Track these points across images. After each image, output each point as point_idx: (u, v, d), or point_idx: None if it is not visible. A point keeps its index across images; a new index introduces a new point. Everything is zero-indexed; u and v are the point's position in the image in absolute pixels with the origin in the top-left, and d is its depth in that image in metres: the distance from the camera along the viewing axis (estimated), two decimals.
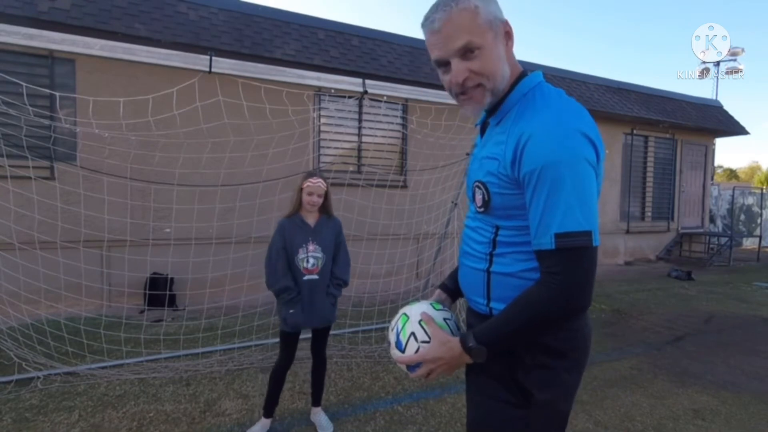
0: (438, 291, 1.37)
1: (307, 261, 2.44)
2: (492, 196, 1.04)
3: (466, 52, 1.00)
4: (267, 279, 2.43)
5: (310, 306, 2.44)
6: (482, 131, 1.16)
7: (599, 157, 0.98)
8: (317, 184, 2.46)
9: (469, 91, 1.04)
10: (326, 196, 2.52)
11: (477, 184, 1.08)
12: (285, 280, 2.40)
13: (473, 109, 1.08)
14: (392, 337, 1.19)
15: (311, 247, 2.46)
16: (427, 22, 1.03)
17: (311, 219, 2.51)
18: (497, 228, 1.07)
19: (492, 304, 1.11)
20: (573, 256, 0.95)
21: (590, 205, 0.94)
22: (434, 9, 1.01)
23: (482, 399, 1.15)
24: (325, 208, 2.54)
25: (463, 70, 1.02)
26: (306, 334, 2.65)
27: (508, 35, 1.06)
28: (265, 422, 2.54)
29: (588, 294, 0.97)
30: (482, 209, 1.09)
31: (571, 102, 1.01)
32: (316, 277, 2.46)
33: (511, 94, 1.06)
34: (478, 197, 1.08)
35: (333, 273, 2.56)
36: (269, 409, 2.55)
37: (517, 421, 1.08)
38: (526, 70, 1.09)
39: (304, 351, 2.93)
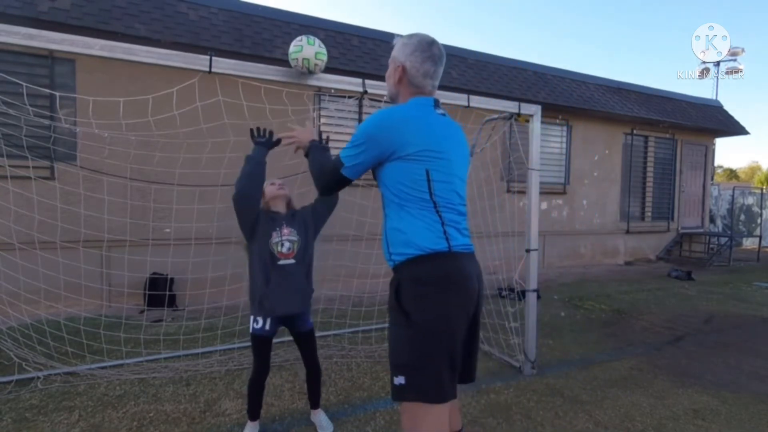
0: None
1: (282, 245, 2.38)
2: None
3: None
4: (236, 185, 2.35)
5: (285, 291, 2.37)
6: None
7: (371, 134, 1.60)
8: (274, 181, 2.52)
9: None
10: (289, 199, 2.57)
11: None
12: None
13: None
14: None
15: (285, 230, 2.40)
16: None
17: (281, 210, 2.51)
18: (382, 195, 1.69)
19: (391, 249, 1.60)
20: (337, 160, 1.68)
21: (354, 142, 1.62)
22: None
23: (389, 327, 1.59)
24: (290, 205, 2.58)
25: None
26: (284, 337, 2.62)
27: (396, 70, 1.68)
28: (251, 425, 2.51)
29: (321, 185, 1.78)
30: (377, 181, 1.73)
31: (389, 109, 1.63)
32: (292, 261, 2.40)
33: None
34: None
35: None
36: (253, 413, 2.51)
37: (405, 339, 1.49)
38: (420, 97, 1.67)
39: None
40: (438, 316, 1.48)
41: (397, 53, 1.67)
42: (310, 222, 2.53)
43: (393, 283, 1.57)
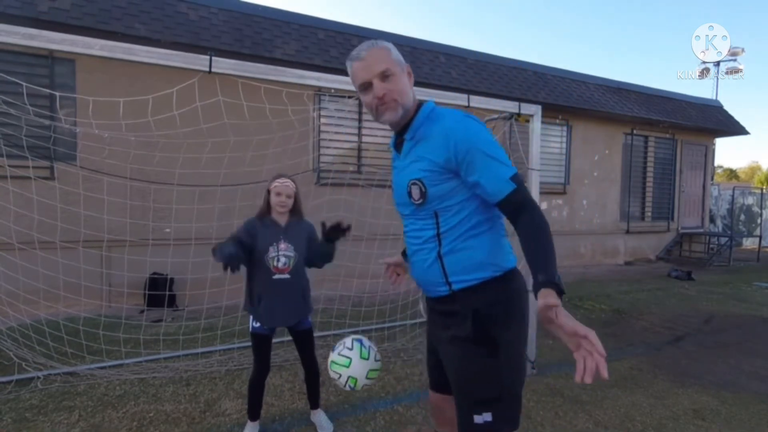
0: (397, 257, 1.80)
1: (278, 260, 2.37)
2: (428, 187, 1.34)
3: (384, 76, 1.35)
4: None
5: (280, 306, 2.38)
6: (397, 148, 1.49)
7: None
8: (285, 183, 2.40)
9: (386, 104, 1.37)
10: (296, 198, 2.46)
11: (413, 181, 1.38)
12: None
13: (390, 115, 1.39)
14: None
15: (282, 245, 2.38)
16: (354, 54, 1.39)
17: (282, 220, 2.45)
18: (436, 214, 1.37)
19: (451, 279, 1.37)
20: (524, 186, 1.30)
21: (506, 156, 1.32)
22: (360, 47, 1.39)
23: (462, 360, 1.38)
24: (295, 211, 2.48)
25: (382, 88, 1.35)
26: (285, 337, 2.62)
27: (410, 75, 1.43)
28: (251, 425, 2.51)
29: (545, 221, 1.31)
30: (421, 200, 1.37)
31: (456, 110, 1.41)
32: (287, 276, 2.39)
33: (417, 117, 1.41)
34: (416, 192, 1.37)
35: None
36: (253, 413, 2.51)
37: (492, 370, 1.33)
38: (421, 101, 1.46)
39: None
40: (521, 336, 1.39)
41: (399, 54, 1.43)
42: (306, 242, 2.49)
43: (462, 313, 1.37)
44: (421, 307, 4.92)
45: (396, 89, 1.36)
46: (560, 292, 1.13)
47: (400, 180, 1.45)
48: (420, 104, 1.45)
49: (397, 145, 1.50)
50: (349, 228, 2.42)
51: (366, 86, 1.38)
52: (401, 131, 1.46)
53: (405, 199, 1.42)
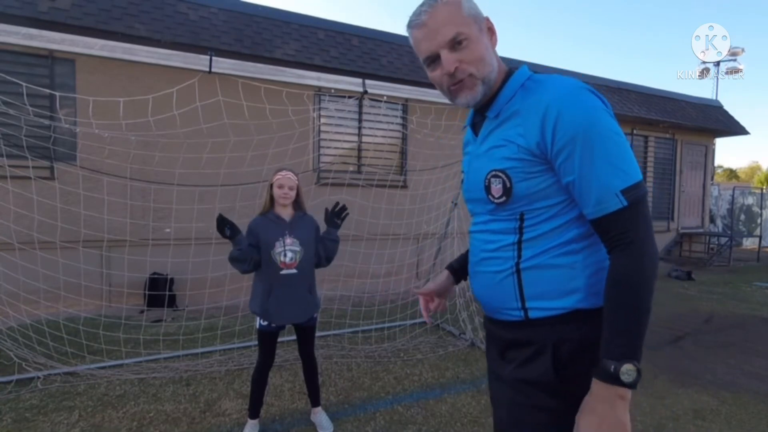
0: (446, 273, 1.38)
1: (285, 255, 2.39)
2: (514, 182, 1.01)
3: (455, 43, 1.02)
4: (237, 267, 2.41)
5: (288, 302, 2.39)
6: (475, 129, 1.16)
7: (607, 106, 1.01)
8: (287, 176, 2.43)
9: (461, 82, 1.05)
10: (298, 190, 2.49)
11: (494, 173, 1.04)
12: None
13: (467, 97, 1.07)
14: None
15: (288, 240, 2.41)
16: (413, 18, 1.05)
17: (286, 215, 2.47)
18: (522, 215, 1.03)
19: (528, 304, 1.03)
20: (642, 209, 0.92)
21: (629, 154, 0.94)
22: (419, 7, 1.05)
23: (518, 409, 1.06)
24: (297, 204, 2.51)
25: (453, 60, 1.02)
26: (291, 336, 2.62)
27: (491, 31, 1.08)
28: (251, 423, 2.52)
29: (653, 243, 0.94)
30: (503, 199, 1.03)
31: (567, 77, 1.03)
32: (294, 271, 2.41)
33: (506, 88, 1.07)
34: (497, 187, 1.03)
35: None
36: (254, 410, 2.52)
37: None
38: (512, 67, 1.12)
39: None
40: None
41: (473, 4, 1.06)
42: (313, 237, 2.52)
43: (537, 344, 1.02)
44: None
45: (473, 58, 1.02)
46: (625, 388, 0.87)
47: (474, 169, 1.12)
48: (510, 71, 1.10)
49: (475, 125, 1.15)
50: (344, 207, 2.61)
51: (432, 59, 1.05)
52: (483, 107, 1.11)
53: (480, 194, 1.09)
